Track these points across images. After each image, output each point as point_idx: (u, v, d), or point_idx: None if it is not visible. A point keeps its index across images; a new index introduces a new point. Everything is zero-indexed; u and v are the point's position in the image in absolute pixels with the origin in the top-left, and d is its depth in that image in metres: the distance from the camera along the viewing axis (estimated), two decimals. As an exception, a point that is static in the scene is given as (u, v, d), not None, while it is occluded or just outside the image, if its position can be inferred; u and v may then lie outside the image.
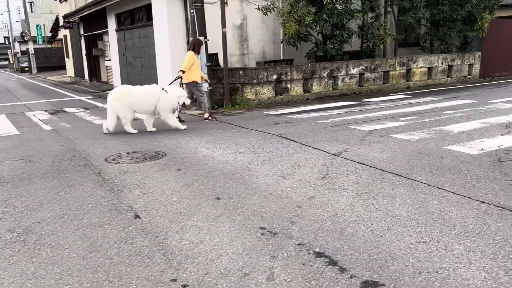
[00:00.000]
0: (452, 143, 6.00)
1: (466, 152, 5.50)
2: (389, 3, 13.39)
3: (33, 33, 43.13)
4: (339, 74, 12.05)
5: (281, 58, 13.29)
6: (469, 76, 14.96)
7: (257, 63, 12.83)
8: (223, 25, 10.50)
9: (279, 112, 9.41)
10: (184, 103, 7.79)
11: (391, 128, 7.12)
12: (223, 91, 10.68)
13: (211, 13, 11.40)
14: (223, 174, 4.92)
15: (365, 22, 12.72)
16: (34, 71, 40.04)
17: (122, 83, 16.90)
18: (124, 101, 7.42)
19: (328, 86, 11.96)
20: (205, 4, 11.77)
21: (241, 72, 10.85)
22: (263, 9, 11.77)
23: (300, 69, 11.42)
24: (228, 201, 4.07)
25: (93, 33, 20.33)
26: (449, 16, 13.64)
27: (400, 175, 4.67)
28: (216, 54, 11.68)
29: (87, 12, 18.39)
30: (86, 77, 22.58)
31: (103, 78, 20.97)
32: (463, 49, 14.84)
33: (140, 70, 15.02)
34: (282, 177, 4.76)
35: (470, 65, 14.94)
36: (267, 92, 10.98)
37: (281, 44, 13.03)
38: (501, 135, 6.38)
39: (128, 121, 7.58)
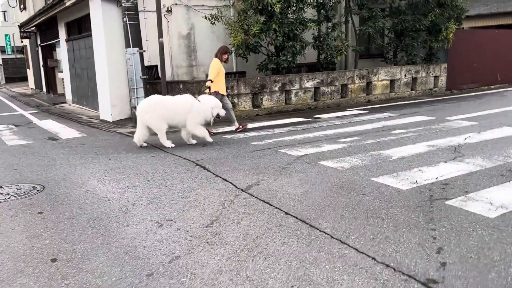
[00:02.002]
0: (384, 173, 5.14)
1: (396, 186, 4.64)
2: (348, 12, 12.65)
3: (2, 43, 41.80)
4: (292, 88, 11.22)
5: (234, 70, 12.42)
6: (435, 89, 14.27)
7: (207, 75, 11.92)
8: (160, 34, 9.62)
9: (217, 131, 8.49)
10: (218, 114, 7.19)
11: (324, 153, 6.25)
12: (162, 107, 9.74)
13: (155, 23, 10.51)
14: (88, 220, 3.96)
15: (321, 32, 11.95)
16: (3, 82, 38.66)
17: (73, 96, 15.92)
18: (156, 113, 6.88)
19: (280, 101, 11.11)
20: (147, 13, 10.92)
21: (181, 86, 9.95)
22: (210, 18, 10.93)
23: (248, 83, 10.55)
24: (63, 265, 3.11)
25: (48, 43, 19.28)
26: (412, 26, 12.95)
27: (304, 221, 3.76)
28: (157, 66, 10.77)
29: (39, 21, 17.39)
30: (44, 89, 21.47)
31: (59, 90, 19.87)
32: (429, 61, 14.16)
33: (87, 82, 14.01)
34: (160, 224, 3.82)
35: (436, 77, 14.26)
36: (210, 107, 10.05)
37: (232, 56, 12.14)
38: (445, 162, 5.55)
39: (163, 133, 7.06)
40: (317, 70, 12.19)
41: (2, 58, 39.21)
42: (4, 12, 47.81)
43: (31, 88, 25.75)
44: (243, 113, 10.49)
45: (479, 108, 10.27)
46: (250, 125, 8.98)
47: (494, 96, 12.92)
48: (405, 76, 13.35)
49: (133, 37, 9.44)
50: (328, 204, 4.16)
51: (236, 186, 4.79)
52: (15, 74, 40.33)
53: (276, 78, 10.96)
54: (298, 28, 11.08)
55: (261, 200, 4.33)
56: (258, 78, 10.78)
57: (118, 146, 7.35)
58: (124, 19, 9.40)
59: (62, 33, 15.93)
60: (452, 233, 3.43)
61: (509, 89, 15.12)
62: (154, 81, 10.35)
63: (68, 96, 16.58)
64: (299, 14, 10.93)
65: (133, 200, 4.46)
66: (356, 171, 5.24)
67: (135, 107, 9.65)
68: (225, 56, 8.11)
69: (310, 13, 11.67)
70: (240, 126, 8.34)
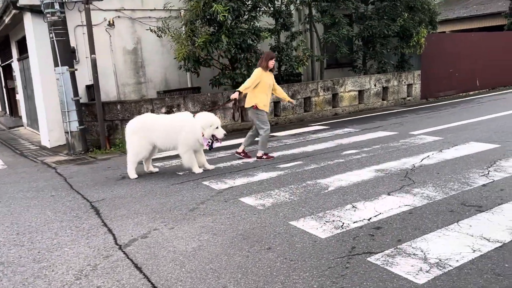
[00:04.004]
0: (309, 212, 4.17)
1: (315, 233, 3.67)
2: (308, 20, 11.79)
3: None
4: (248, 104, 10.25)
5: (189, 86, 11.49)
6: (408, 98, 13.38)
7: (158, 92, 11.00)
8: (92, 50, 8.69)
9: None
10: (214, 136, 5.85)
11: (252, 185, 5.28)
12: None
13: (95, 37, 9.60)
14: None
15: (280, 42, 11.07)
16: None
17: (27, 119, 14.92)
18: (143, 135, 5.83)
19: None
20: (85, 27, 9.96)
21: (119, 106, 8.99)
22: (156, 30, 10.01)
23: (197, 100, 9.62)
24: None
25: (7, 63, 18.32)
26: (379, 32, 12.09)
27: (168, 299, 2.78)
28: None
29: (-10, 40, 16.43)
30: (8, 111, 20.48)
31: (20, 112, 18.86)
32: (401, 68, 13.31)
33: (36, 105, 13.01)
34: (-24, 309, 2.82)
35: (409, 86, 13.38)
36: (154, 129, 9.08)
37: (186, 71, 11.19)
38: (388, 193, 4.59)
39: (135, 161, 6.01)
40: (278, 83, 11.27)
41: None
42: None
43: (-1, 111, 24.77)
44: (192, 134, 9.51)
45: (450, 119, 9.36)
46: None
47: (469, 104, 12.04)
48: (374, 85, 12.46)
49: (62, 55, 8.48)
50: (216, 268, 3.17)
51: (116, 241, 3.81)
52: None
53: (228, 93, 10.01)
54: (253, 39, 10.20)
55: (134, 263, 3.35)
56: (209, 94, 9.86)
57: (26, 182, 6.35)
58: (51, 35, 8.44)
59: (14, 52, 15.02)
60: (356, 318, 2.46)
61: (488, 95, 14.27)
62: (90, 102, 9.38)
63: (24, 119, 15.60)
64: (252, 23, 10.05)
65: (-28, 268, 3.45)
66: (276, 212, 4.26)
67: (68, 133, 8.71)
68: (271, 63, 6.50)
69: (266, 21, 10.81)
70: (264, 156, 6.67)
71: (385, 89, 12.74)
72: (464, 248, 3.22)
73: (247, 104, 6.58)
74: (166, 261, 3.34)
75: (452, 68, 14.41)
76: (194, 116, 5.99)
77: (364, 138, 7.85)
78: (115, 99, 10.35)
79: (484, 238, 3.36)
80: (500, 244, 3.24)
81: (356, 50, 12.72)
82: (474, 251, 3.16)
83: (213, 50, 9.72)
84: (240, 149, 6.88)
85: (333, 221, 3.92)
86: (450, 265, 2.98)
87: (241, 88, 6.41)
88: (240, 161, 6.65)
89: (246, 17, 10.09)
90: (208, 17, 9.67)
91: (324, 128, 9.47)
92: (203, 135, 5.82)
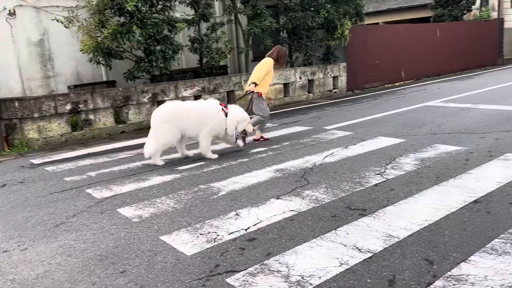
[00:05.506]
0: (187, 223, 3.82)
1: (182, 250, 3.33)
2: (228, 10, 11.41)
3: None
4: (166, 98, 9.76)
5: (104, 79, 10.81)
6: (334, 90, 13.40)
7: (69, 87, 10.24)
8: (-19, 43, 7.82)
9: (49, 159, 6.90)
10: (244, 130, 6.26)
11: (140, 191, 4.86)
12: (-4, 130, 7.98)
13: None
14: None
15: (201, 33, 10.62)
16: None
17: None
18: (175, 124, 5.77)
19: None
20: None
21: (16, 104, 8.18)
22: (63, 20, 9.23)
23: (107, 95, 8.99)
24: None
25: None
26: (303, 23, 11.93)
27: None
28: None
29: None
30: None
31: None
32: (326, 61, 13.26)
33: None
34: None
35: (335, 78, 13.39)
36: (57, 127, 8.40)
37: (97, 64, 10.46)
38: (277, 197, 4.34)
39: (162, 150, 5.92)
40: (200, 76, 10.86)
41: None
42: None
43: None
44: (103, 131, 8.91)
45: (367, 112, 9.36)
46: (95, 149, 7.46)
47: (391, 96, 12.20)
48: (300, 78, 12.33)
49: None
50: (52, 299, 2.75)
51: (-50, 269, 3.27)
52: None
53: (143, 88, 9.48)
54: (170, 30, 9.69)
55: (-43, 297, 2.85)
56: (120, 89, 9.25)
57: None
58: None
59: None
60: None
61: (411, 86, 14.58)
62: (-16, 99, 8.50)
63: None
64: (166, 13, 9.51)
65: None
66: (151, 224, 3.88)
67: (-43, 133, 7.84)
68: (283, 62, 7.12)
69: (183, 11, 10.32)
70: (261, 138, 7.18)
71: (310, 81, 12.66)
72: (332, 261, 3.00)
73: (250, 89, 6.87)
74: (-2, 293, 2.87)
75: (377, 60, 14.60)
76: (223, 106, 6.12)
77: (278, 134, 7.63)
78: (20, 95, 9.52)
79: (356, 248, 3.17)
80: (370, 255, 3.05)
81: (281, 42, 12.50)
82: (341, 264, 2.95)
83: (125, 41, 9.13)
84: (257, 136, 7.13)
85: (209, 233, 3.60)
86: (310, 284, 2.74)
87: (257, 80, 6.76)
88: (141, 162, 6.18)
89: (160, 6, 9.54)
90: (117, 6, 9.05)
91: (243, 123, 9.16)
92: (235, 129, 6.03)
